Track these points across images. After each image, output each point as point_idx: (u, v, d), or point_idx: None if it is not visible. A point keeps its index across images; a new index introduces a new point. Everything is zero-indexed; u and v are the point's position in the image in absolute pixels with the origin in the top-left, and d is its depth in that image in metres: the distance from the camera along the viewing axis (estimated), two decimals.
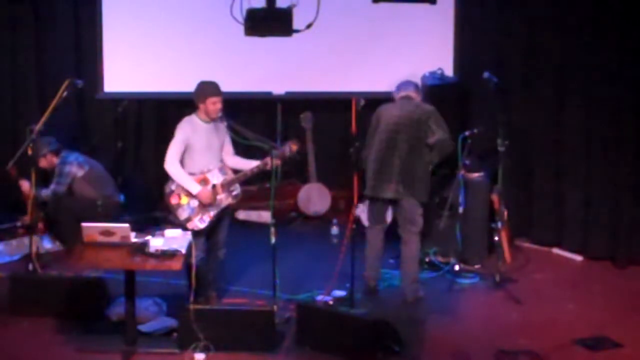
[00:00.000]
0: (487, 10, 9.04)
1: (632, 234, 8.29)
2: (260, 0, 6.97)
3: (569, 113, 8.52)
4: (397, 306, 7.37)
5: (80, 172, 8.32)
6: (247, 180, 7.30)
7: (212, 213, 7.09)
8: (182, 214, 7.07)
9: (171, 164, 7.03)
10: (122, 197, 8.54)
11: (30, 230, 8.06)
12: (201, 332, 6.40)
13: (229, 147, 7.25)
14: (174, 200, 7.09)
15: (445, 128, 7.42)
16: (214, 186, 7.08)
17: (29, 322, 6.96)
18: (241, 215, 9.44)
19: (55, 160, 8.35)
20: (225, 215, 7.23)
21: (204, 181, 7.07)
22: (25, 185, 8.22)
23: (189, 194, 7.04)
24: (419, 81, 8.82)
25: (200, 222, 7.07)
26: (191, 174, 7.07)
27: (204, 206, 7.05)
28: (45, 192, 8.23)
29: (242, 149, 7.32)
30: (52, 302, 7.07)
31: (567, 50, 8.47)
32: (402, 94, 7.63)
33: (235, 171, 7.20)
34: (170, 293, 7.36)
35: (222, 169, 7.15)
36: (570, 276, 8.22)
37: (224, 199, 7.12)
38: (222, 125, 7.12)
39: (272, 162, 6.93)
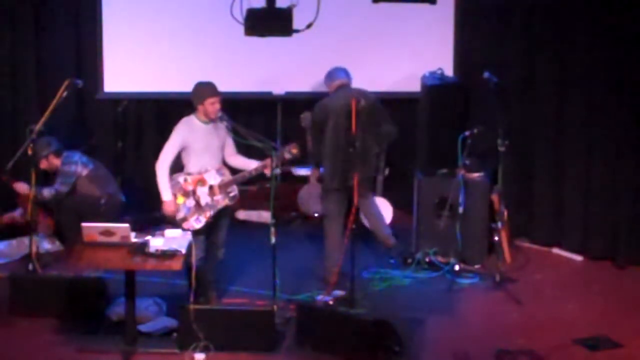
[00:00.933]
0: (487, 10, 9.03)
1: (632, 234, 8.28)
2: (260, 0, 6.97)
3: (569, 113, 8.52)
4: (397, 306, 7.37)
5: (84, 172, 8.32)
6: (245, 181, 7.30)
7: (209, 213, 7.09)
8: (178, 214, 7.07)
9: (159, 165, 7.02)
10: (123, 197, 8.55)
11: (30, 230, 8.05)
12: (201, 332, 6.40)
13: (231, 147, 7.24)
14: None
15: (389, 118, 7.78)
16: (211, 187, 7.08)
17: (29, 322, 6.97)
18: (241, 215, 9.43)
19: (56, 161, 8.33)
20: (224, 216, 7.23)
21: (201, 182, 7.06)
22: (21, 187, 8.21)
23: (185, 194, 7.05)
24: (419, 81, 8.85)
25: (196, 222, 7.06)
26: (189, 174, 7.07)
27: (200, 206, 7.05)
28: (49, 191, 8.20)
29: (242, 150, 7.32)
30: (52, 302, 7.07)
31: (567, 50, 8.46)
32: (337, 82, 7.82)
33: (234, 172, 7.20)
34: (170, 293, 7.36)
35: (220, 170, 7.15)
36: (570, 276, 8.22)
37: (221, 200, 7.11)
38: (222, 126, 7.11)
39: (271, 163, 6.93)
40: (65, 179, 8.24)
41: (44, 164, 8.29)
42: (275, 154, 6.92)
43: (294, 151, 7.12)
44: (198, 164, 7.07)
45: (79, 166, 8.31)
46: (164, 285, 7.54)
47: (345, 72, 7.89)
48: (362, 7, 9.02)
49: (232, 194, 7.15)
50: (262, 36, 7.18)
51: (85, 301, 7.09)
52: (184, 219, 7.06)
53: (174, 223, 7.09)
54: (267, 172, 6.99)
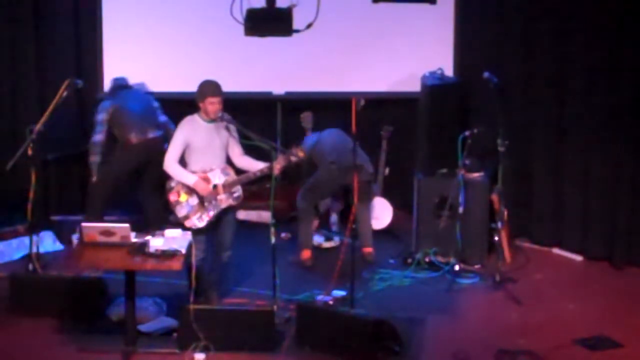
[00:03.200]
0: (487, 10, 9.04)
1: (632, 234, 8.28)
2: (260, 0, 6.97)
3: (569, 113, 8.52)
4: (397, 306, 7.37)
5: (111, 111, 8.41)
6: (250, 182, 7.31)
7: (211, 213, 7.09)
8: (181, 212, 7.07)
9: (169, 165, 7.06)
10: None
11: (30, 230, 8.05)
12: (201, 332, 6.40)
13: (237, 148, 7.22)
14: (172, 197, 7.10)
15: None
16: (215, 186, 7.08)
17: (29, 322, 6.96)
18: (241, 215, 9.43)
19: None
20: (229, 217, 7.22)
21: (205, 180, 7.06)
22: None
23: (189, 192, 7.05)
24: (419, 81, 8.86)
25: (199, 220, 7.06)
26: (193, 172, 7.07)
27: (203, 205, 7.06)
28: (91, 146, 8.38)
29: (244, 150, 7.33)
30: (52, 302, 7.06)
31: (566, 50, 8.46)
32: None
33: (238, 172, 7.20)
34: (170, 293, 7.36)
35: (225, 169, 7.15)
36: (570, 276, 8.22)
37: (225, 200, 7.11)
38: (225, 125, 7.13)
39: (272, 165, 6.93)
40: (95, 127, 8.38)
41: None
42: (277, 155, 6.93)
43: (301, 154, 7.12)
44: (201, 162, 7.07)
45: (104, 113, 8.38)
46: (164, 285, 7.54)
47: None
48: (362, 7, 9.03)
49: (236, 194, 7.14)
50: (262, 36, 7.19)
51: (85, 301, 7.09)
52: (187, 217, 7.06)
53: (174, 223, 7.09)
54: (275, 172, 6.97)
